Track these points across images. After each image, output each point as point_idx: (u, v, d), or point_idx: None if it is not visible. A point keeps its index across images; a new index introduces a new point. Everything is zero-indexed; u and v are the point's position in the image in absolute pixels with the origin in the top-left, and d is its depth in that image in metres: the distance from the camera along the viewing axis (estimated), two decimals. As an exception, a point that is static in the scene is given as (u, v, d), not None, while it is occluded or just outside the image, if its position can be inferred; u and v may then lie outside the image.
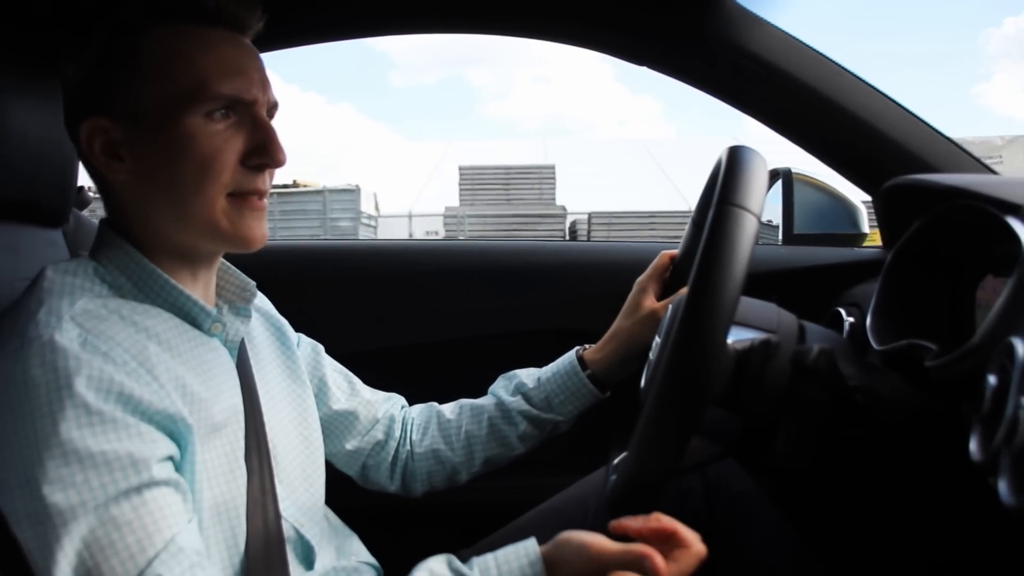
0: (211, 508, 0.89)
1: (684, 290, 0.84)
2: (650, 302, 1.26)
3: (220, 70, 0.89)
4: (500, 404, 1.27)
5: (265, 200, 0.95)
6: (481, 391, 1.33)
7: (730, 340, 0.87)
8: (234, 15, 0.93)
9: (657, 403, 0.77)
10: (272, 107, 0.96)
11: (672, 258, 1.31)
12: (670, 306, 1.03)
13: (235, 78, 0.90)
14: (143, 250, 0.93)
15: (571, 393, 1.25)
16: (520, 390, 1.28)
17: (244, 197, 0.93)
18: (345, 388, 1.27)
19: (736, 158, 0.84)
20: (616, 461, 0.91)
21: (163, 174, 0.90)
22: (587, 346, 1.29)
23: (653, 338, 1.08)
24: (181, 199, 0.90)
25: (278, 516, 0.97)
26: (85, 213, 1.54)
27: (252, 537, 0.93)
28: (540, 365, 1.32)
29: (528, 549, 0.84)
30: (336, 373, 1.28)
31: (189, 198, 0.90)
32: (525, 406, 1.26)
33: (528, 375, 1.30)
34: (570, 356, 1.28)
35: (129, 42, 0.89)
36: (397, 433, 1.30)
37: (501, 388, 1.31)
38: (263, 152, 0.92)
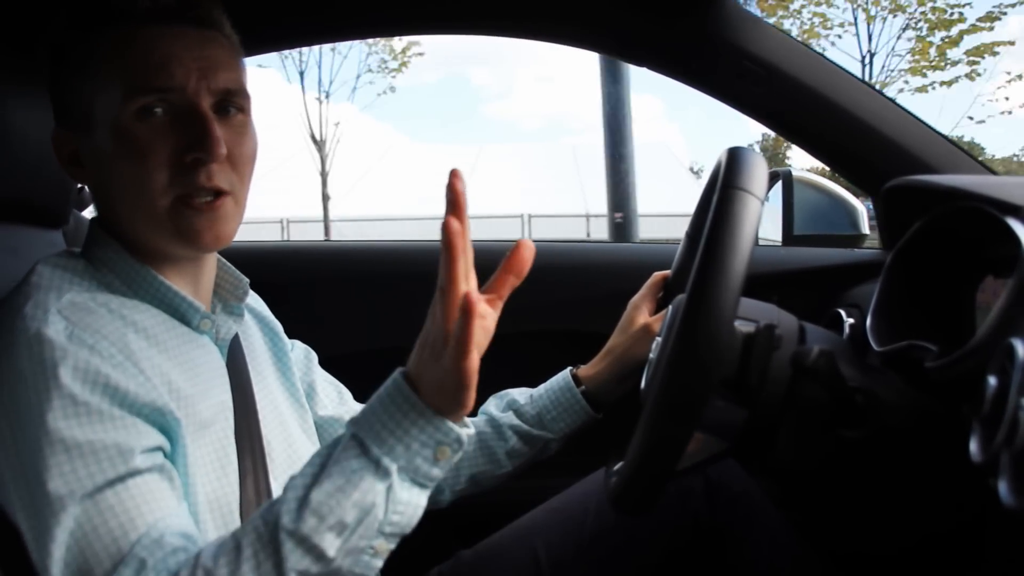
0: (204, 504, 0.89)
1: (683, 295, 0.84)
2: (644, 318, 1.27)
3: (145, 63, 0.88)
4: (491, 420, 1.27)
5: (221, 199, 0.91)
6: (480, 391, 1.32)
7: (735, 324, 0.87)
8: (175, 9, 0.91)
9: (664, 381, 0.77)
10: (229, 94, 0.92)
11: (665, 278, 1.31)
12: (670, 307, 1.03)
13: (158, 69, 0.88)
14: (130, 248, 0.93)
15: (563, 410, 1.25)
16: (512, 406, 1.28)
17: (187, 198, 0.90)
18: (334, 396, 1.28)
19: (736, 154, 0.84)
20: (616, 467, 0.91)
21: (112, 178, 0.91)
22: (580, 365, 1.29)
23: (647, 354, 1.08)
24: (131, 201, 0.90)
25: None
26: (85, 214, 1.54)
27: None
28: (540, 366, 1.32)
29: (391, 376, 0.80)
30: (326, 382, 1.28)
31: (135, 200, 0.90)
32: (516, 421, 1.25)
33: (520, 392, 1.30)
34: (564, 373, 1.28)
35: (67, 52, 0.90)
36: None
37: (492, 405, 1.31)
38: (197, 146, 0.88)
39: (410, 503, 0.78)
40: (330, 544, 0.75)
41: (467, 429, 0.80)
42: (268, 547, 0.75)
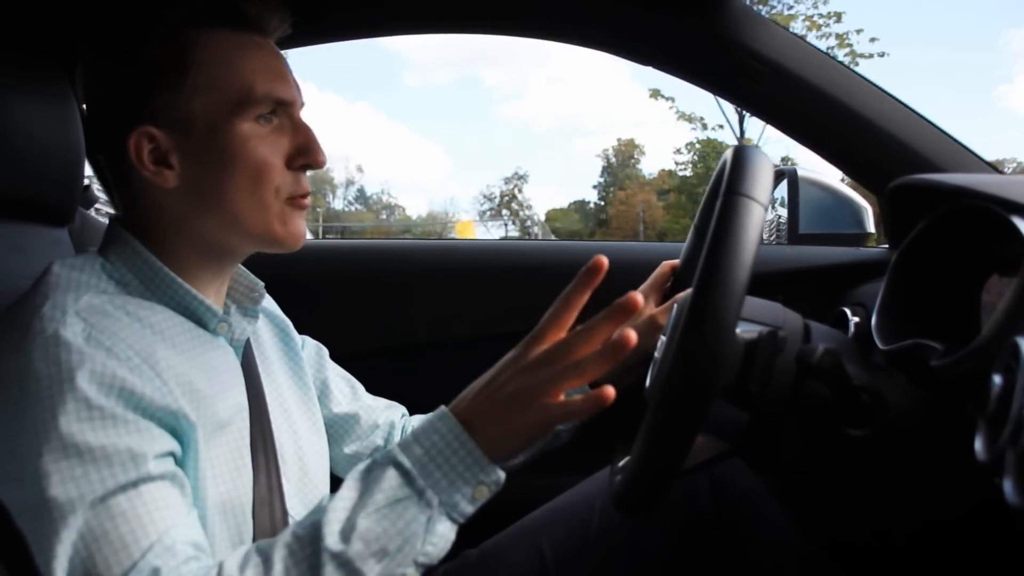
0: (216, 506, 0.89)
1: (688, 291, 0.84)
2: (650, 309, 1.26)
3: (264, 74, 0.92)
4: None
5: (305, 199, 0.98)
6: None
7: (738, 331, 0.87)
8: (268, 20, 0.95)
9: (666, 389, 0.77)
10: (301, 107, 0.98)
11: (673, 268, 1.31)
12: (675, 305, 1.03)
13: (277, 81, 0.93)
14: (165, 252, 0.93)
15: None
16: None
17: (293, 199, 0.95)
18: (347, 392, 1.28)
19: (741, 155, 0.83)
20: (621, 464, 0.91)
21: (216, 180, 0.91)
22: None
23: (654, 346, 1.08)
24: (234, 205, 0.92)
25: (285, 514, 0.98)
26: (90, 212, 1.55)
27: (259, 535, 0.93)
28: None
29: (439, 410, 0.86)
30: (339, 377, 1.28)
31: (243, 203, 0.92)
32: None
33: None
34: None
35: (175, 50, 0.90)
36: (396, 440, 1.29)
37: None
38: (306, 153, 0.95)
39: (443, 536, 0.82)
40: (371, 569, 0.78)
41: (503, 472, 0.85)
42: (303, 564, 0.77)
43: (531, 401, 0.82)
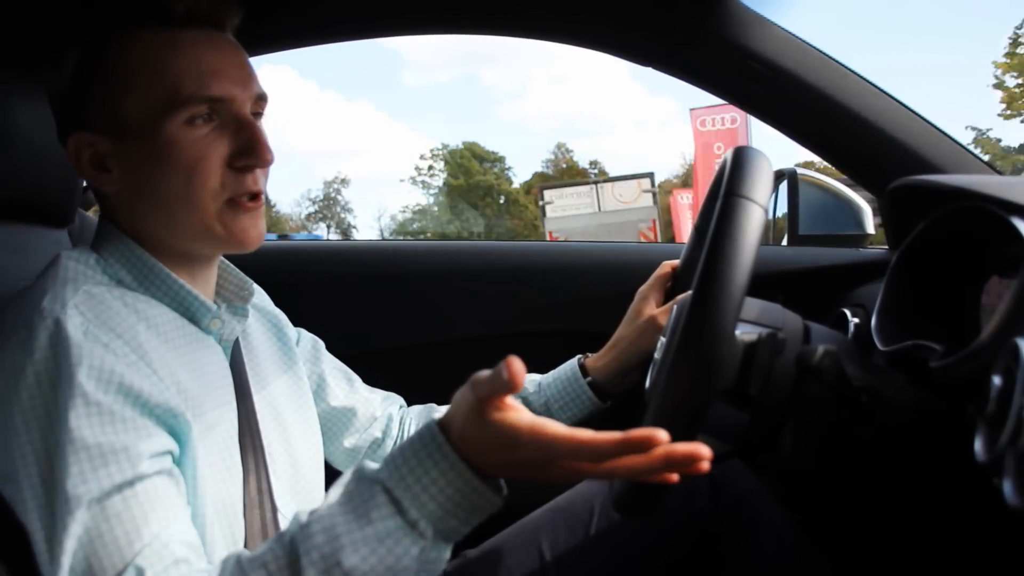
0: (211, 505, 0.89)
1: (688, 293, 0.84)
2: (651, 310, 1.27)
3: (193, 73, 0.88)
4: None
5: (259, 200, 0.94)
6: None
7: (737, 333, 0.87)
8: (207, 14, 0.92)
9: (665, 391, 0.77)
10: (260, 100, 0.95)
11: (674, 268, 1.31)
12: (675, 306, 1.03)
13: (209, 79, 0.89)
14: (144, 247, 0.93)
15: (570, 399, 1.25)
16: (520, 395, 1.27)
17: (236, 200, 0.92)
18: (344, 385, 1.28)
19: (741, 156, 0.83)
20: None
21: (151, 184, 0.90)
22: (589, 354, 1.29)
23: (654, 346, 1.08)
24: (171, 208, 0.90)
25: (275, 513, 0.98)
26: (90, 213, 1.55)
27: (251, 535, 0.94)
28: (541, 366, 1.32)
29: (428, 424, 0.76)
30: (335, 370, 1.28)
31: (179, 206, 0.90)
32: None
33: (529, 380, 1.30)
34: (571, 363, 1.29)
35: (101, 55, 0.89)
36: (395, 432, 1.30)
37: None
38: (248, 153, 0.91)
39: (439, 560, 0.76)
40: None
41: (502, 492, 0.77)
42: None
43: (553, 470, 0.71)
